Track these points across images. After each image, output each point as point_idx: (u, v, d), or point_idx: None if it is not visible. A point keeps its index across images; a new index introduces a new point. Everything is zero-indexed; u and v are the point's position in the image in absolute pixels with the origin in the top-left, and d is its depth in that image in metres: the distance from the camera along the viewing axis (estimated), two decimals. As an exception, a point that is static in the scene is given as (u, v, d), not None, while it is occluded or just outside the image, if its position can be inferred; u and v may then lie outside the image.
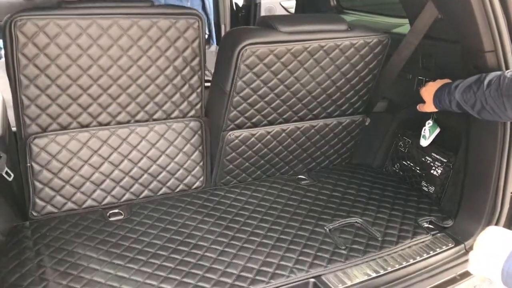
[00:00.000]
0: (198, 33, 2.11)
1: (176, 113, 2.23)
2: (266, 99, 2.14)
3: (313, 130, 2.36)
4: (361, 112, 2.47)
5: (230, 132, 2.18)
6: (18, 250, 1.82)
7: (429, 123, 2.22)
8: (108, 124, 2.10)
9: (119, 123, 2.12)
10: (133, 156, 2.17)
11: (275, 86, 2.12)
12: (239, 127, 2.19)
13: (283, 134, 2.30)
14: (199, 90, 2.24)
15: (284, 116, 2.26)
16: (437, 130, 2.21)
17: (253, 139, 2.24)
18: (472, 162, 2.07)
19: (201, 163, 2.33)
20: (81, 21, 1.90)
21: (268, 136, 2.27)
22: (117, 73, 2.02)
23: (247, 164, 2.34)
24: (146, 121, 2.17)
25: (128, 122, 2.14)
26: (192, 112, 2.26)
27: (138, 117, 2.15)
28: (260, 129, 2.24)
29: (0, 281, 1.65)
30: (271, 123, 2.25)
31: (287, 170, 2.48)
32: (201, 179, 2.34)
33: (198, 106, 2.26)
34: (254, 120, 2.20)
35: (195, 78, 2.20)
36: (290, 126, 2.29)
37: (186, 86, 2.19)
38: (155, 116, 2.18)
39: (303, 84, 2.17)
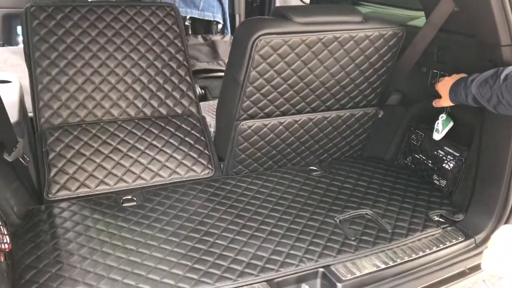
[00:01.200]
0: (175, 16, 2.69)
1: (168, 84, 2.57)
2: (279, 89, 2.15)
3: (325, 122, 2.37)
4: (374, 104, 2.46)
5: (243, 122, 2.19)
6: (34, 233, 1.86)
7: (443, 116, 2.21)
8: (110, 91, 2.45)
9: (118, 92, 2.47)
10: (139, 143, 2.35)
11: (288, 77, 2.12)
12: (251, 117, 2.21)
13: (296, 125, 2.31)
14: (185, 62, 2.65)
15: (297, 107, 2.27)
16: (451, 124, 2.21)
17: (265, 129, 2.25)
18: (485, 157, 2.06)
19: (206, 151, 2.43)
20: (80, 8, 2.49)
21: (281, 127, 2.28)
22: (112, 47, 2.50)
23: (259, 154, 2.36)
24: (142, 89, 2.53)
25: (126, 90, 2.50)
26: (184, 83, 2.62)
27: (135, 86, 2.50)
28: (272, 120, 2.25)
29: (17, 263, 1.69)
30: (283, 113, 2.26)
31: (299, 161, 2.50)
32: (209, 166, 2.39)
33: (187, 77, 2.63)
34: (267, 110, 2.21)
35: (181, 52, 2.64)
36: (303, 117, 2.30)
37: (174, 59, 2.62)
38: (150, 86, 2.53)
39: (316, 75, 2.17)
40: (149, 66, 2.55)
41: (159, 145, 2.38)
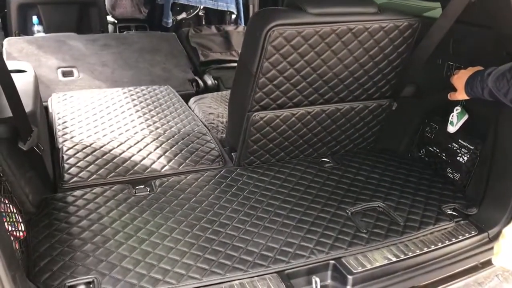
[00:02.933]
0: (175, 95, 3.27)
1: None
2: (292, 81, 2.14)
3: (338, 113, 2.35)
4: (388, 96, 2.44)
5: (255, 113, 2.19)
6: (48, 221, 1.89)
7: (458, 109, 2.19)
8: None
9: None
10: (150, 147, 2.50)
11: (301, 68, 2.11)
12: (264, 108, 2.20)
13: (308, 117, 2.30)
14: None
15: (310, 99, 2.25)
16: (465, 117, 2.18)
17: (277, 120, 2.25)
18: (500, 150, 2.03)
19: (215, 149, 2.51)
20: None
21: (293, 118, 2.27)
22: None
23: (271, 145, 2.35)
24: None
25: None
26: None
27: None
28: (285, 111, 2.24)
29: (31, 250, 1.72)
30: (296, 105, 2.25)
31: (311, 152, 2.49)
32: (220, 158, 2.43)
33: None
34: (279, 101, 2.20)
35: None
36: (316, 108, 2.29)
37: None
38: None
39: (330, 67, 2.16)
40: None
41: (168, 147, 2.49)
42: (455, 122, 2.20)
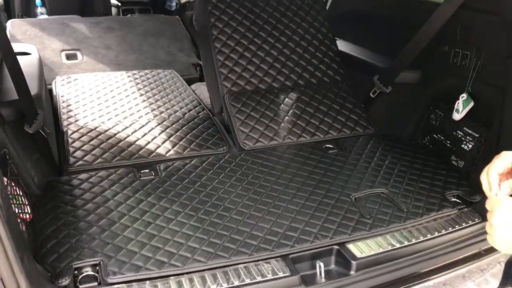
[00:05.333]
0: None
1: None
2: (242, 40, 2.63)
3: (302, 88, 2.67)
4: (338, 70, 2.78)
5: (227, 90, 2.54)
6: (54, 203, 1.90)
7: (463, 96, 2.18)
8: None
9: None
10: (154, 130, 2.52)
11: (248, 23, 2.68)
12: (230, 69, 2.56)
13: (276, 92, 2.62)
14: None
15: (267, 58, 2.65)
16: (471, 104, 2.18)
17: (248, 93, 2.55)
18: (505, 138, 2.03)
19: (218, 134, 2.54)
20: None
21: (262, 92, 2.59)
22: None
23: (257, 117, 2.49)
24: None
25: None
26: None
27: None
28: (253, 85, 2.59)
29: (38, 233, 1.73)
30: (257, 66, 2.62)
31: (306, 131, 2.53)
32: (224, 143, 2.45)
33: None
34: (241, 60, 2.60)
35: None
36: (280, 84, 2.65)
37: None
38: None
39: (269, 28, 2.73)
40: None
41: (173, 132, 2.51)
42: (461, 109, 2.20)
